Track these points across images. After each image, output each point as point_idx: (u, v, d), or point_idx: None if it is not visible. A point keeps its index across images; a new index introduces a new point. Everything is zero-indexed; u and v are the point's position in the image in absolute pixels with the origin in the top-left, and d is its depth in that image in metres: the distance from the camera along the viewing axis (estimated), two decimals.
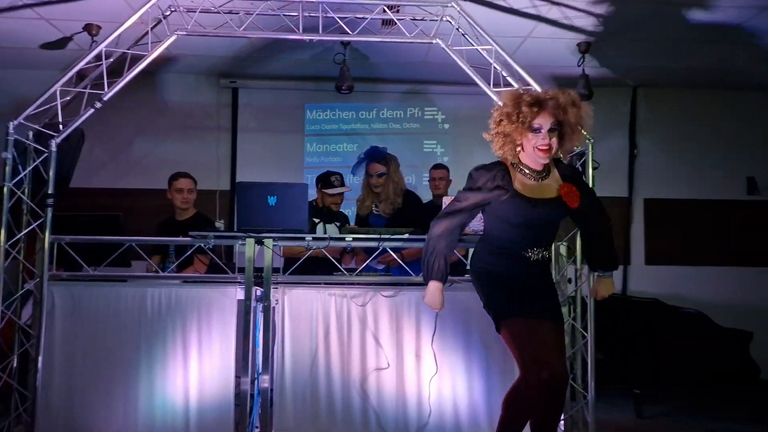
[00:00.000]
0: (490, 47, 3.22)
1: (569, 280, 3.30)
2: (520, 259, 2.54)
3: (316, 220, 3.88)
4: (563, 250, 3.31)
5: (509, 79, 3.27)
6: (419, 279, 3.34)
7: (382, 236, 3.27)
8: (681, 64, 4.98)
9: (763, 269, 5.71)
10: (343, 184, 4.09)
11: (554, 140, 2.45)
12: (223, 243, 3.33)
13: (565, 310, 3.25)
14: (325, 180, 4.05)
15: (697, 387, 4.68)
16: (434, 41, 3.23)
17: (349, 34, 3.26)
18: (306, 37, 3.20)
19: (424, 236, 3.19)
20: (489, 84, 3.26)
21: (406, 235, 3.29)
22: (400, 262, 3.42)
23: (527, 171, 2.52)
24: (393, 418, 3.16)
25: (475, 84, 3.29)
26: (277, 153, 5.55)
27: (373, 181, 4.00)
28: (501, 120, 2.48)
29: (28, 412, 2.97)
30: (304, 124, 5.63)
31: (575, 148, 2.70)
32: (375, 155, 4.07)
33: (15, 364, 2.99)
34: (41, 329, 2.99)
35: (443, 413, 3.19)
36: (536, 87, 3.22)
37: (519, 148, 2.50)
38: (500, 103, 2.59)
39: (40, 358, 2.97)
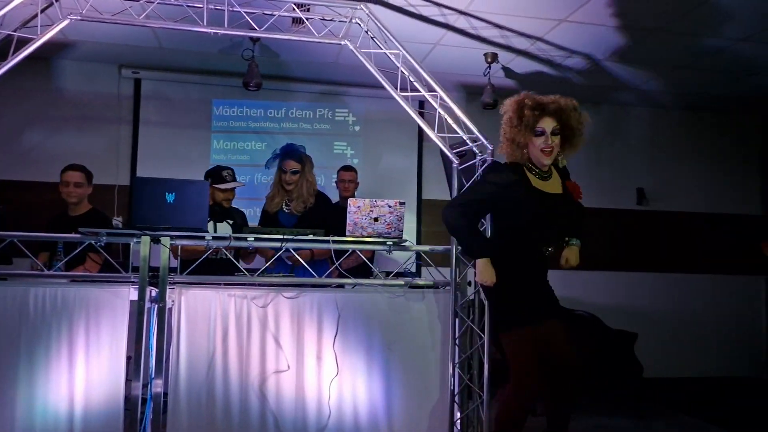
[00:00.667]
0: (398, 52, 3.26)
1: (469, 283, 3.39)
2: (533, 256, 2.76)
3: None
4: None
5: (416, 84, 3.31)
6: (322, 280, 3.35)
7: (285, 237, 3.23)
8: (579, 80, 5.24)
9: (648, 274, 6.13)
10: (234, 179, 3.96)
11: (557, 142, 2.57)
12: (117, 241, 3.16)
13: (464, 312, 3.34)
14: (216, 175, 3.89)
15: (590, 386, 4.94)
16: (342, 42, 3.22)
17: (256, 30, 3.20)
18: (210, 30, 3.11)
19: (328, 238, 3.24)
20: (396, 88, 3.30)
21: (310, 236, 3.27)
22: (304, 264, 3.39)
23: (535, 170, 2.74)
24: (292, 421, 3.12)
25: (385, 87, 3.32)
26: (181, 149, 5.36)
27: (287, 178, 3.87)
28: (505, 127, 2.75)
29: None
30: (211, 119, 5.47)
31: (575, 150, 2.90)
32: (291, 152, 3.95)
33: None
34: None
35: (343, 415, 3.19)
36: (441, 93, 3.29)
37: (525, 150, 2.71)
38: (501, 111, 2.81)
39: None
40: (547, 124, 2.68)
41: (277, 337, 3.16)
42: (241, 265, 3.52)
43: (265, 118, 5.57)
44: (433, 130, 3.36)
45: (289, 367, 3.15)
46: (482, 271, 2.74)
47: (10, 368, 2.83)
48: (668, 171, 6.26)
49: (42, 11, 2.91)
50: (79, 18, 2.92)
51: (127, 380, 2.95)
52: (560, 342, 2.73)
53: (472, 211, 2.78)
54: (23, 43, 2.92)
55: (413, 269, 4.24)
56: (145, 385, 2.97)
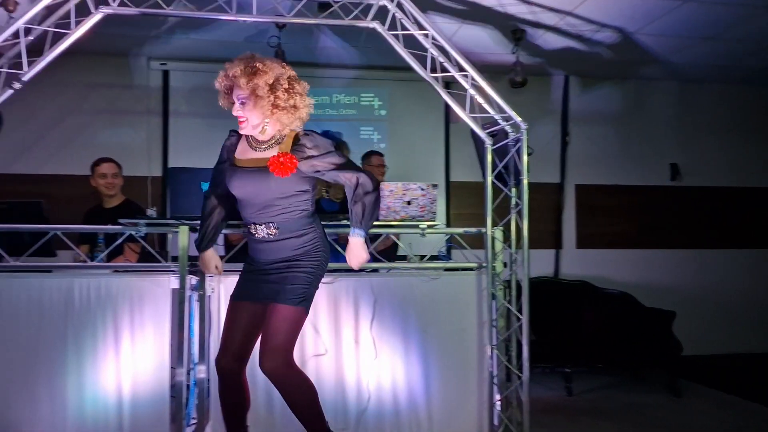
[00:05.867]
0: (428, 32, 3.23)
1: (505, 264, 3.38)
2: None
3: None
4: (498, 234, 3.38)
5: (446, 64, 3.28)
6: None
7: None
8: (608, 55, 5.14)
9: (684, 251, 6.04)
10: None
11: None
12: (156, 231, 3.21)
13: (500, 293, 3.34)
14: None
15: (625, 364, 4.91)
16: (371, 25, 3.20)
17: (284, 16, 3.19)
18: (239, 18, 3.11)
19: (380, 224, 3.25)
20: (426, 69, 3.27)
21: (344, 221, 3.28)
22: (338, 249, 3.39)
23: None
24: (332, 404, 3.15)
25: (413, 69, 3.29)
26: (210, 138, 5.35)
27: None
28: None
29: None
30: None
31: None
32: (330, 139, 3.93)
33: None
34: None
35: (382, 397, 3.21)
36: (473, 73, 3.26)
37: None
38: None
39: None
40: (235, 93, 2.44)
41: (315, 322, 3.18)
42: None
43: None
44: (464, 110, 3.33)
45: (327, 351, 3.18)
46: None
47: (59, 357, 2.91)
48: (702, 146, 6.13)
49: (75, 5, 2.93)
50: (110, 11, 2.94)
51: (171, 367, 3.01)
52: None
53: None
54: (58, 37, 2.95)
55: (444, 251, 4.23)
56: (188, 372, 3.03)
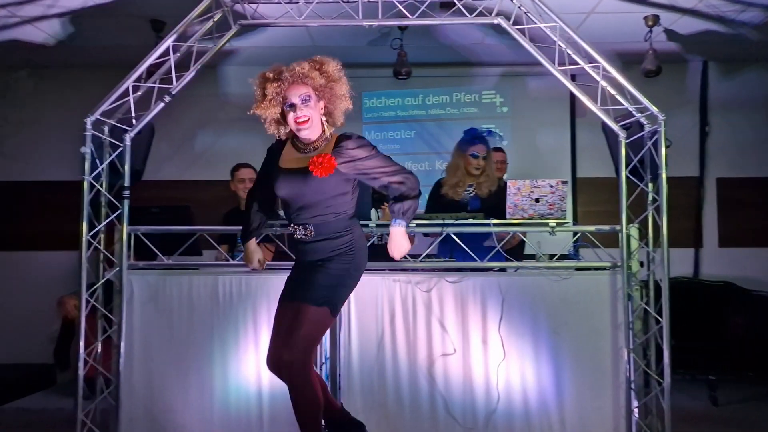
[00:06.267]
0: (555, 24, 3.13)
1: (641, 263, 3.20)
2: None
3: None
4: (634, 232, 3.21)
5: (575, 56, 3.17)
6: (484, 264, 3.32)
7: (446, 221, 3.26)
8: (754, 37, 4.71)
9: None
10: None
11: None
12: (288, 231, 3.36)
13: (637, 294, 3.17)
14: None
15: None
16: (496, 21, 3.15)
17: (408, 17, 3.23)
18: (366, 23, 3.19)
19: (489, 222, 3.24)
20: (554, 63, 3.18)
21: (470, 220, 3.27)
22: (464, 247, 3.38)
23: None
24: (461, 404, 3.15)
25: (535, 64, 3.21)
26: None
27: (476, 163, 3.79)
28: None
29: (113, 396, 3.10)
30: (361, 112, 5.64)
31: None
32: (479, 136, 3.87)
33: (99, 350, 3.12)
34: (122, 316, 3.12)
35: (512, 399, 3.16)
36: (604, 63, 3.12)
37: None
38: None
39: (122, 344, 3.09)
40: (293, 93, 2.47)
41: (442, 321, 3.20)
42: None
43: (413, 106, 5.64)
44: (595, 103, 3.20)
45: (455, 350, 3.18)
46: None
47: (206, 348, 3.14)
48: None
49: (216, 21, 3.15)
50: (248, 24, 3.13)
51: None
52: None
53: None
54: (201, 53, 3.19)
55: (572, 250, 4.08)
56: (320, 367, 3.15)
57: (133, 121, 3.14)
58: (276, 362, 2.46)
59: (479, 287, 3.21)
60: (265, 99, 2.49)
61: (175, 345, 3.15)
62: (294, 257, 2.69)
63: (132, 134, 3.14)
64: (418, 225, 3.29)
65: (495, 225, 3.26)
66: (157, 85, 3.17)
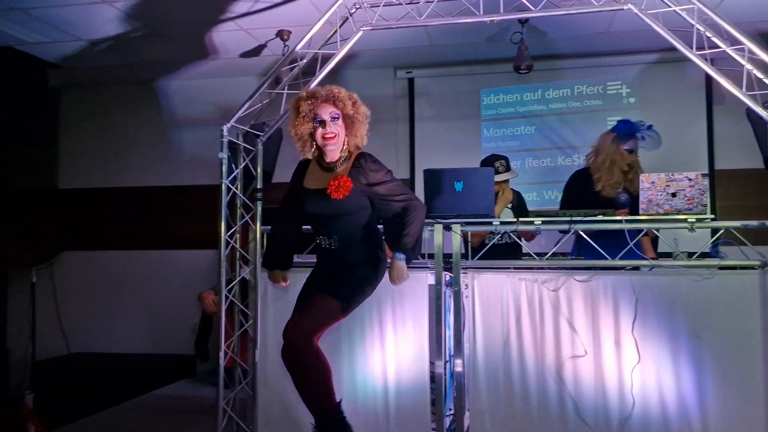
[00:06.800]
0: (692, 6, 2.93)
1: None
2: None
3: None
4: None
5: (715, 39, 2.94)
6: (615, 262, 3.17)
7: (573, 218, 3.14)
8: None
9: None
10: (508, 169, 3.94)
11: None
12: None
13: None
14: (489, 165, 3.87)
15: None
16: (626, 7, 3.00)
17: (531, 10, 3.15)
18: (487, 18, 3.15)
19: (620, 218, 3.10)
20: (692, 47, 2.97)
21: (599, 217, 3.14)
22: (594, 245, 3.25)
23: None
24: (592, 407, 3.03)
25: (665, 50, 3.02)
26: (453, 140, 5.56)
27: (631, 158, 3.65)
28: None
29: (249, 386, 3.30)
30: (479, 109, 5.58)
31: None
32: (631, 129, 3.70)
33: (237, 343, 3.33)
34: (257, 311, 3.30)
35: (648, 405, 2.99)
36: (750, 45, 2.88)
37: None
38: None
39: (257, 337, 3.27)
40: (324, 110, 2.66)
41: (572, 321, 3.09)
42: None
43: (533, 101, 5.49)
44: (740, 88, 2.95)
45: (586, 352, 3.06)
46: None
47: (334, 346, 3.23)
48: None
49: (339, 27, 3.25)
50: (370, 28, 3.20)
51: (430, 362, 3.16)
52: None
53: None
54: (326, 59, 3.30)
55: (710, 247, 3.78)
56: (445, 364, 3.15)
57: (264, 126, 3.31)
58: (284, 339, 2.63)
59: (610, 286, 3.07)
60: (298, 116, 2.69)
61: None
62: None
63: (264, 139, 3.32)
64: (543, 222, 3.21)
65: (627, 221, 3.11)
66: (286, 91, 3.32)
